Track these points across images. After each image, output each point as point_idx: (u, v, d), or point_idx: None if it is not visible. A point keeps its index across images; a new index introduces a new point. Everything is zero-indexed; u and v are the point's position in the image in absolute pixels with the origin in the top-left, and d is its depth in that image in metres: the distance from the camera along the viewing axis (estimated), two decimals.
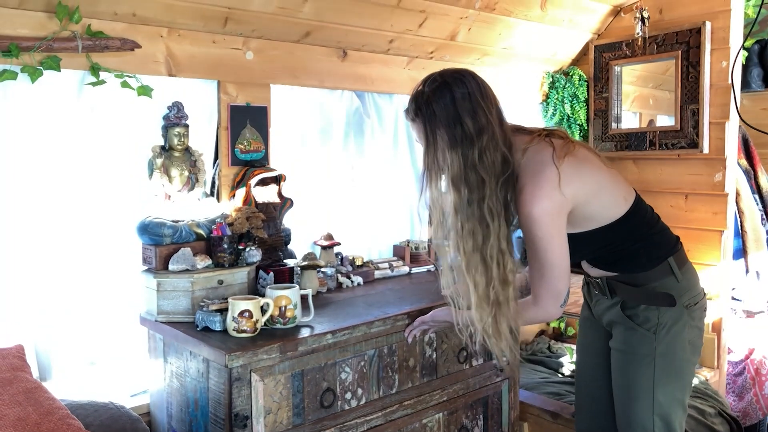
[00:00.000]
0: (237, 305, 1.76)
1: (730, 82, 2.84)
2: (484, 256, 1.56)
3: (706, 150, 2.95)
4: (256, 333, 1.77)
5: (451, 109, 1.53)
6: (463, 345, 2.21)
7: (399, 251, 2.75)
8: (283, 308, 1.84)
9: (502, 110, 1.62)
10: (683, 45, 2.97)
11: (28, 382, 1.63)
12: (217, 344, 1.71)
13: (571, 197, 1.57)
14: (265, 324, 1.81)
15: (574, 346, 3.36)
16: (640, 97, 3.49)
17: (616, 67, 3.26)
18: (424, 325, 1.94)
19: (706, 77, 2.91)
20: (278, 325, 1.84)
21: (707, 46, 2.90)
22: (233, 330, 1.75)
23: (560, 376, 3.07)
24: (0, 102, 1.82)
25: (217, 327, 1.80)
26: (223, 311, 1.82)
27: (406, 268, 2.67)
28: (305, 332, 1.82)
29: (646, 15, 3.07)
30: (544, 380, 2.95)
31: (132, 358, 2.14)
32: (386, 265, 2.62)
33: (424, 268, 2.72)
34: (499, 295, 1.59)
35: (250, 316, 1.76)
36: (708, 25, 2.89)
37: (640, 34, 3.09)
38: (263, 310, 1.81)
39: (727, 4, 2.88)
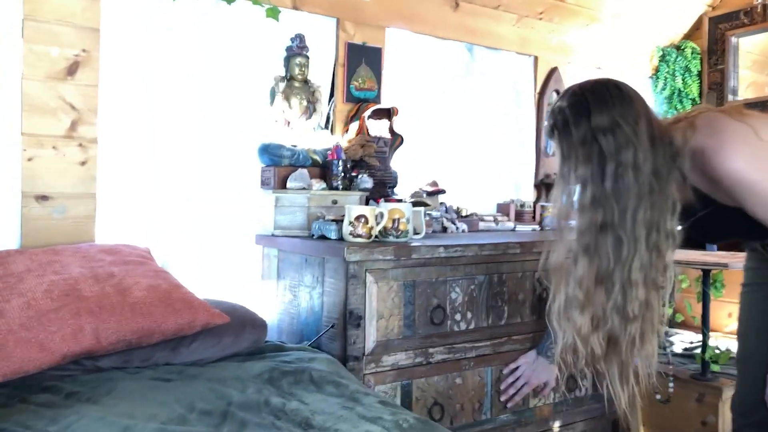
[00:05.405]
0: (354, 210, 1.78)
1: None
2: None
3: None
4: (370, 240, 1.79)
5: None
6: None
7: (504, 209, 2.71)
8: (397, 221, 1.85)
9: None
10: None
11: (157, 267, 1.72)
12: (334, 244, 1.74)
13: None
14: (377, 235, 1.83)
15: None
16: (755, 84, 3.33)
17: (732, 38, 3.14)
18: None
19: None
20: (391, 238, 1.84)
21: None
22: (349, 234, 1.78)
23: None
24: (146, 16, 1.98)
25: (333, 235, 1.83)
26: (338, 222, 1.85)
27: (511, 224, 2.62)
28: (418, 243, 1.82)
29: None
30: None
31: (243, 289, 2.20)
32: (491, 218, 2.59)
33: (528, 227, 2.67)
34: None
35: (366, 221, 1.78)
36: None
37: (761, 0, 2.97)
38: (377, 221, 1.82)
39: None
